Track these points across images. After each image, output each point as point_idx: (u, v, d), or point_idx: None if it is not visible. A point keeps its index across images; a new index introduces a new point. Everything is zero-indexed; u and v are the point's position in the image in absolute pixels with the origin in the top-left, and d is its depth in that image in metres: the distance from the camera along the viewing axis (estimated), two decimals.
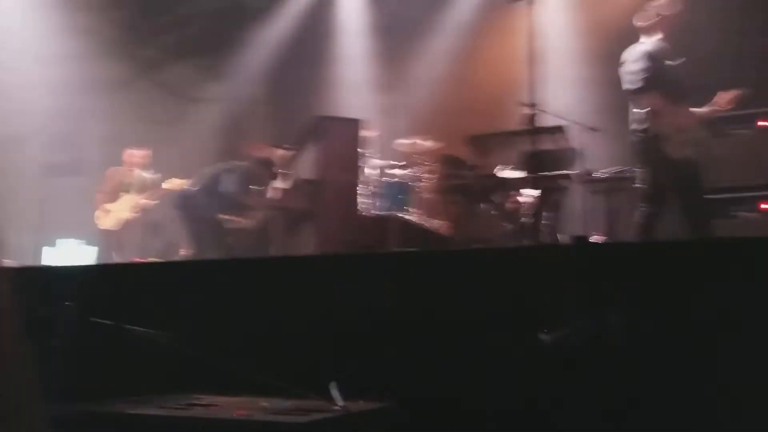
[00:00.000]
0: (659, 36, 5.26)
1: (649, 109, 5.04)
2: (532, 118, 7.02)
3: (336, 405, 2.33)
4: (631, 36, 6.94)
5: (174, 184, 7.97)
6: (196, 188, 7.46)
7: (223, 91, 10.90)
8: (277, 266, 3.63)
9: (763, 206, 5.94)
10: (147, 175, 8.48)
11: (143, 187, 8.36)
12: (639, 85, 5.09)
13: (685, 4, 5.19)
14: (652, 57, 5.15)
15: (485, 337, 2.74)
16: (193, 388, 2.74)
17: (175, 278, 3.57)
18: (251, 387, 2.57)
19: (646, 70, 5.05)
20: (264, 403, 2.47)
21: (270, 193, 7.02)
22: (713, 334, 2.53)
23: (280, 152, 7.70)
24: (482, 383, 2.73)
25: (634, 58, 5.22)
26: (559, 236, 5.99)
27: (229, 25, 10.85)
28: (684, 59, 5.26)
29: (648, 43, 5.25)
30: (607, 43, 7.93)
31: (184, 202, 7.44)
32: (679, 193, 5.11)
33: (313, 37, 10.53)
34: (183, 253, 7.50)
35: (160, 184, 8.18)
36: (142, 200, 8.28)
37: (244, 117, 9.23)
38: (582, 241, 3.16)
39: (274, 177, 7.65)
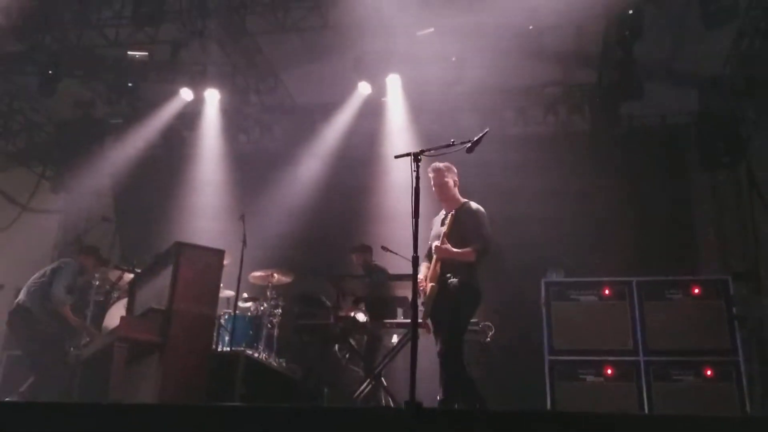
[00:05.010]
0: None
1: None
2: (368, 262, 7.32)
3: None
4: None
5: None
6: (26, 300, 6.57)
7: (64, 203, 10.24)
8: None
9: (608, 371, 6.36)
10: None
11: None
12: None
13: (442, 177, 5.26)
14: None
15: None
16: None
17: None
18: None
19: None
20: None
21: (109, 320, 6.46)
22: None
23: (124, 275, 7.20)
24: None
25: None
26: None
27: (80, 136, 10.43)
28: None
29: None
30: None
31: (16, 317, 6.50)
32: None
33: (170, 159, 10.37)
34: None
35: None
36: None
37: (84, 232, 8.62)
38: (416, 406, 3.12)
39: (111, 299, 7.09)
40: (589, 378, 6.06)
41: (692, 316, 6.66)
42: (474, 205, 5.13)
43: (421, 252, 5.04)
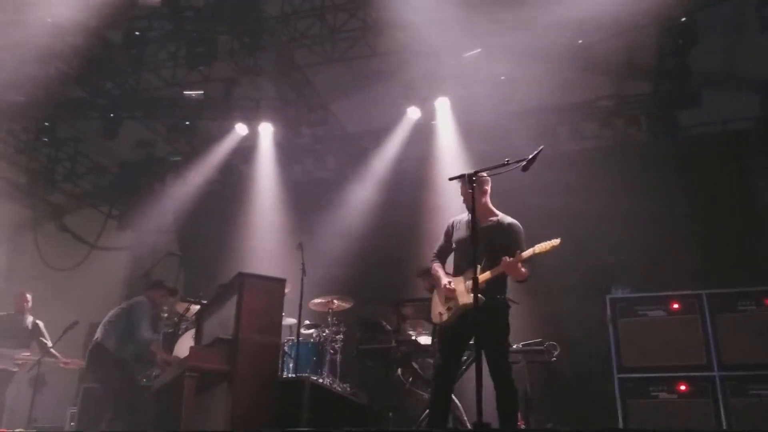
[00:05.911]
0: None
1: None
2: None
3: None
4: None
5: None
6: (103, 338, 6.72)
7: (130, 240, 10.61)
8: None
9: (681, 388, 6.14)
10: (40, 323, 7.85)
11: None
12: None
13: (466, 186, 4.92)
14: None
15: None
16: None
17: None
18: None
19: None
20: None
21: (179, 350, 6.61)
22: None
23: (191, 306, 7.37)
24: None
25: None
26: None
27: (143, 175, 10.82)
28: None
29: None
30: None
31: (93, 355, 6.68)
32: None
33: (228, 193, 10.63)
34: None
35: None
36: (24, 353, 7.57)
37: (151, 267, 8.89)
38: (484, 427, 3.07)
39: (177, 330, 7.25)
40: (662, 395, 5.85)
41: None
42: (511, 220, 4.96)
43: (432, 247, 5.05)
